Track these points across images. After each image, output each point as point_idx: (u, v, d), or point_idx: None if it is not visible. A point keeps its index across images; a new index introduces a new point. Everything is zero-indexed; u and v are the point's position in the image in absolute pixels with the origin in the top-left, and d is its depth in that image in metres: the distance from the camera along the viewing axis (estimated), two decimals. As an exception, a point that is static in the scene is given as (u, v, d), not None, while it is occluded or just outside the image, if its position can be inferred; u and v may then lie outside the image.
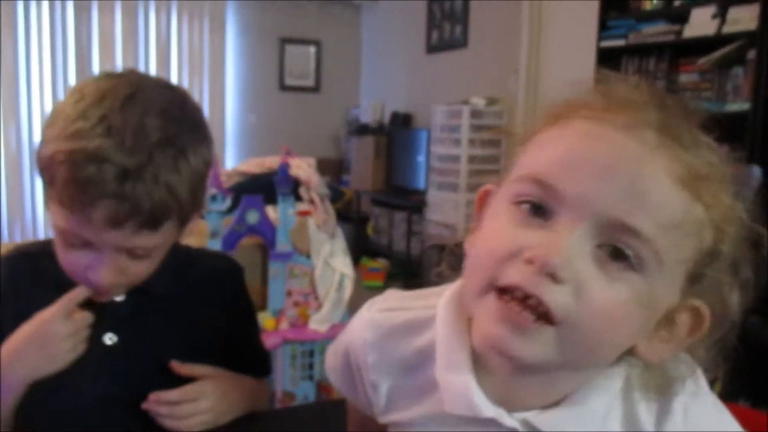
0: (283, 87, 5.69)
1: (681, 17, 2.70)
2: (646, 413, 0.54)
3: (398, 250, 4.72)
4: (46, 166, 0.74)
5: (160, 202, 0.73)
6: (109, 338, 0.84)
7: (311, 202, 2.43)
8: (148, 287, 0.86)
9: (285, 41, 5.61)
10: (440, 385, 0.57)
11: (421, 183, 4.60)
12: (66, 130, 0.72)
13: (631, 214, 0.46)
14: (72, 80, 4.79)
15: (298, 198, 2.42)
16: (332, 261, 2.41)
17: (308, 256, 2.39)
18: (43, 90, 4.75)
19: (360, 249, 4.97)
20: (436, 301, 0.61)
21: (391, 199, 4.83)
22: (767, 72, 2.32)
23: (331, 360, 0.70)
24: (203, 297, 0.92)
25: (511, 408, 0.55)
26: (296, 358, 2.37)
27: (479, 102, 4.09)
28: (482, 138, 4.01)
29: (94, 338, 0.83)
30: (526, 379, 0.54)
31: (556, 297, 0.46)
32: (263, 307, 2.33)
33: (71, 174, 0.71)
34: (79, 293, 0.80)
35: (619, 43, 2.96)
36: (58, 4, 4.71)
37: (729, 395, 0.75)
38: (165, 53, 5.17)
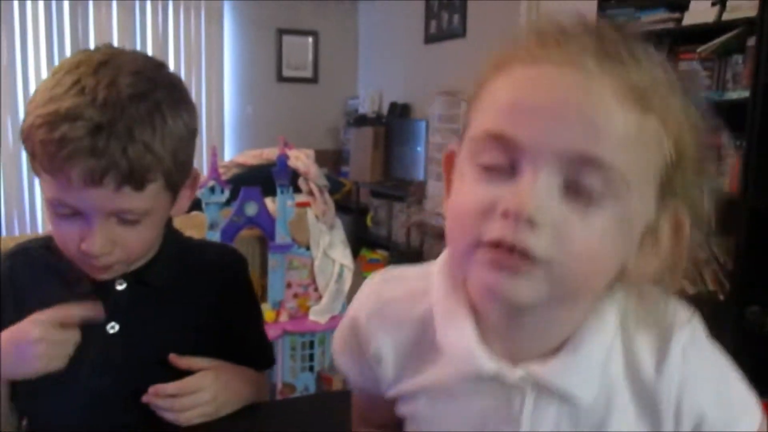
0: (281, 78, 5.66)
1: (680, 5, 2.69)
2: (647, 356, 0.55)
3: (397, 241, 4.72)
4: (27, 135, 0.76)
5: (136, 157, 0.73)
6: (112, 327, 0.84)
7: (310, 193, 2.43)
8: (150, 276, 0.87)
9: (282, 32, 5.58)
10: (442, 347, 0.58)
11: (420, 174, 4.59)
12: (43, 97, 0.74)
13: (588, 145, 0.47)
14: (69, 73, 4.77)
15: (297, 189, 2.42)
16: (331, 252, 2.41)
17: (307, 247, 2.39)
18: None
19: (359, 240, 4.97)
20: (432, 270, 0.62)
21: (390, 190, 4.82)
22: (767, 59, 2.31)
23: (338, 341, 0.71)
24: (206, 288, 0.91)
25: (512, 361, 0.56)
26: (296, 349, 2.37)
27: (478, 92, 4.07)
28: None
29: (97, 327, 0.83)
30: (524, 327, 0.55)
31: (537, 242, 0.48)
32: (263, 299, 2.33)
33: (47, 134, 0.72)
34: (78, 312, 0.80)
35: (619, 31, 2.94)
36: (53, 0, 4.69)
37: None
38: (162, 45, 5.14)
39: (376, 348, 0.64)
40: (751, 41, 2.41)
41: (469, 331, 0.57)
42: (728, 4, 2.49)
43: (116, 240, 0.78)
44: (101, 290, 0.84)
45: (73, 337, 0.80)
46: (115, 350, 0.84)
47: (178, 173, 0.81)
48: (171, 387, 0.81)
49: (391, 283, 0.66)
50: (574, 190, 0.48)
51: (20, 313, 0.81)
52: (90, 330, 0.83)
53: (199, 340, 0.89)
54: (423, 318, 0.62)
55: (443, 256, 0.62)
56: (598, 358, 0.55)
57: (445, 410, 0.61)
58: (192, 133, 0.83)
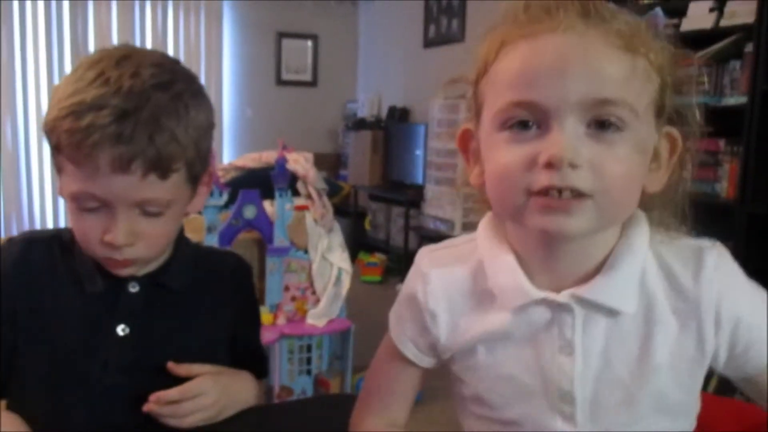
0: (280, 81, 5.67)
1: (679, 11, 2.70)
2: (682, 269, 0.64)
3: (395, 245, 4.72)
4: (51, 129, 0.76)
5: (162, 144, 0.75)
6: (122, 329, 0.84)
7: (309, 196, 2.43)
8: (167, 278, 0.87)
9: (282, 35, 5.60)
10: (494, 289, 0.67)
11: (418, 178, 4.59)
12: (66, 91, 0.75)
13: (598, 90, 0.57)
14: (68, 75, 4.77)
15: (296, 193, 2.42)
16: (330, 256, 2.41)
17: (306, 250, 2.39)
18: (39, 86, 4.73)
19: (357, 244, 4.97)
20: (474, 236, 0.72)
21: (388, 194, 4.83)
22: (765, 65, 2.31)
23: (394, 312, 0.77)
24: (213, 293, 0.92)
25: (556, 291, 0.64)
26: (294, 352, 2.37)
27: (477, 96, 4.08)
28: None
29: (108, 328, 0.84)
30: (565, 256, 0.64)
31: (580, 180, 0.56)
32: (261, 302, 2.33)
33: (72, 124, 0.73)
34: None
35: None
36: (53, 1, 4.69)
37: (725, 390, 0.76)
38: (162, 47, 5.14)
39: (433, 307, 0.71)
40: (749, 47, 2.42)
41: (517, 271, 0.65)
42: (726, 10, 2.50)
43: (139, 232, 0.78)
44: (113, 291, 0.84)
45: None
46: (125, 352, 0.84)
47: (200, 164, 0.82)
48: (172, 393, 0.81)
49: (440, 250, 0.75)
50: (596, 129, 0.58)
51: (32, 302, 0.82)
52: (99, 331, 0.83)
53: (207, 346, 0.90)
54: (474, 273, 0.70)
55: (485, 218, 0.72)
56: (634, 274, 0.63)
57: (504, 353, 0.67)
58: (211, 125, 0.84)
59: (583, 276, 0.64)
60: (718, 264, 0.64)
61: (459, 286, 0.70)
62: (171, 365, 0.84)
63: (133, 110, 0.73)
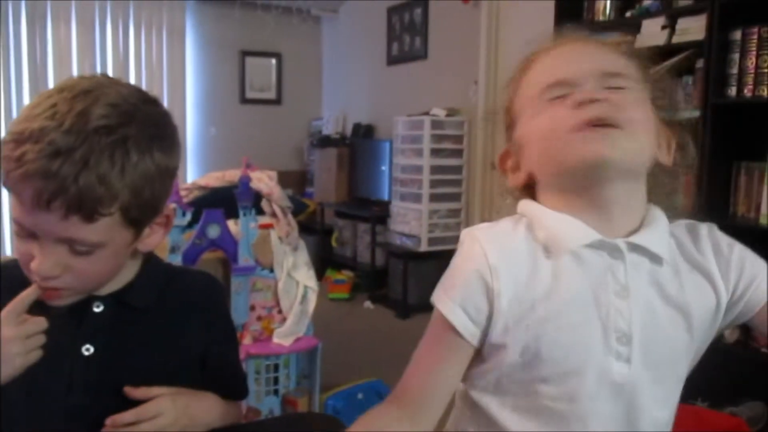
0: (245, 100, 5.65)
1: (633, 28, 2.78)
2: (685, 239, 0.80)
3: (363, 261, 4.72)
4: (2, 153, 0.76)
5: (87, 187, 0.73)
6: (86, 349, 0.84)
7: (273, 214, 2.42)
8: (132, 297, 0.87)
9: (245, 54, 5.59)
10: (547, 238, 0.76)
11: (384, 194, 4.61)
12: (22, 115, 0.76)
13: (606, 66, 0.77)
14: (26, 96, 4.68)
15: (260, 211, 2.41)
16: (295, 273, 2.40)
17: (271, 269, 2.38)
18: (-5, 105, 4.63)
19: (325, 261, 4.96)
20: (515, 216, 0.82)
21: (354, 211, 4.83)
22: (714, 80, 2.39)
23: (446, 283, 0.79)
24: (182, 313, 0.91)
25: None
26: (260, 372, 2.34)
27: (440, 112, 4.13)
28: (444, 148, 4.05)
29: (72, 348, 0.83)
30: (613, 204, 0.75)
31: (605, 109, 0.73)
32: (226, 322, 2.31)
33: (10, 152, 0.73)
34: (29, 294, 0.79)
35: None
36: (9, 17, 4.60)
37: (687, 396, 0.79)
38: (123, 66, 5.09)
39: (495, 262, 0.75)
40: (700, 63, 2.50)
41: (571, 219, 0.75)
42: (677, 27, 2.58)
43: (67, 266, 0.78)
44: (77, 311, 0.84)
45: (40, 323, 0.80)
46: (90, 372, 0.83)
47: (140, 210, 0.80)
48: (128, 415, 0.80)
49: (485, 228, 0.81)
50: (612, 88, 0.75)
51: None
52: (64, 351, 0.82)
53: (177, 365, 0.89)
54: (523, 234, 0.78)
55: (520, 203, 0.82)
56: (666, 232, 0.78)
57: (564, 303, 0.73)
58: (165, 171, 0.81)
59: (627, 231, 0.76)
60: (709, 231, 0.80)
61: (515, 245, 0.77)
62: (128, 389, 0.83)
63: (65, 149, 0.72)
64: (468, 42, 4.13)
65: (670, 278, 0.76)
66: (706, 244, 0.79)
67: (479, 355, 0.78)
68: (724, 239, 0.80)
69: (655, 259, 0.75)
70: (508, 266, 0.75)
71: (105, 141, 0.74)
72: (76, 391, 0.82)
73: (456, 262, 0.79)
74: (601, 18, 2.95)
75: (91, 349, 0.84)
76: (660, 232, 0.76)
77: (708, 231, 0.81)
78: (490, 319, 0.75)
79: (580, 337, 0.72)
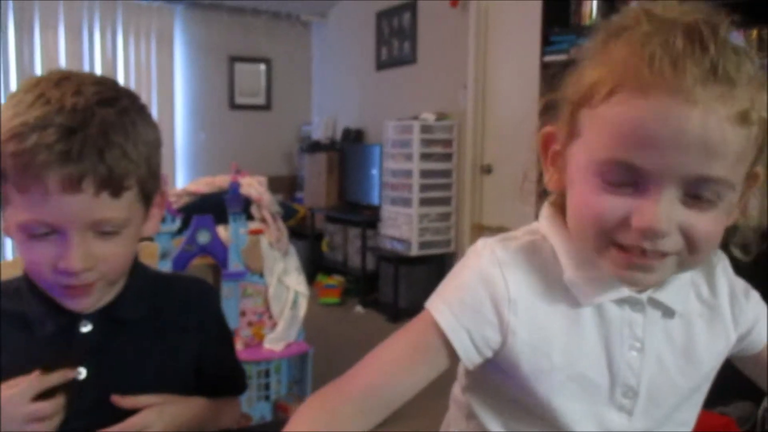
0: (234, 105, 5.64)
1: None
2: (699, 278, 0.73)
3: (353, 266, 4.72)
4: (4, 152, 0.72)
5: (113, 161, 0.72)
6: (78, 373, 0.81)
7: (263, 220, 2.42)
8: (121, 311, 0.83)
9: (234, 59, 5.58)
10: (570, 282, 0.68)
11: (374, 198, 4.62)
12: (6, 116, 0.72)
13: (704, 168, 0.56)
14: (14, 102, 4.65)
15: (250, 217, 2.41)
16: (286, 279, 2.40)
17: (261, 274, 2.38)
18: (-18, 112, 4.60)
19: (315, 266, 4.95)
20: (534, 229, 0.73)
21: (345, 215, 4.83)
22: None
23: (454, 301, 0.69)
24: (176, 322, 0.89)
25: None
26: (252, 378, 2.34)
27: (429, 117, 4.14)
28: (433, 152, 4.07)
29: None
30: None
31: (669, 244, 0.59)
32: (217, 328, 2.30)
33: (18, 146, 0.70)
34: (52, 380, 0.77)
35: (561, 57, 3.05)
36: (-3, 25, 4.59)
37: None
38: (112, 72, 5.07)
39: (514, 296, 0.67)
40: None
41: (597, 270, 0.66)
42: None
43: (96, 255, 0.75)
44: (65, 333, 0.81)
45: (58, 405, 0.77)
46: (85, 396, 0.80)
47: (152, 182, 0.80)
48: (115, 429, 0.79)
49: (505, 241, 0.72)
50: (692, 199, 0.58)
51: None
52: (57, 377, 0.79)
53: (173, 375, 0.87)
54: (546, 264, 0.69)
55: (547, 212, 0.72)
56: (689, 283, 0.71)
57: (578, 351, 0.68)
58: (159, 142, 0.82)
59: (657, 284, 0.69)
60: (724, 266, 0.74)
61: (537, 279, 0.69)
62: (115, 398, 0.81)
63: (79, 127, 0.70)
64: (456, 46, 4.16)
65: (682, 329, 0.71)
66: (722, 285, 0.73)
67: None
68: (740, 283, 0.75)
69: (668, 312, 0.70)
70: (528, 302, 0.68)
71: (111, 113, 0.73)
72: (74, 416, 0.80)
73: (468, 276, 0.70)
74: (587, 22, 2.98)
75: (84, 373, 0.81)
76: (682, 283, 0.70)
77: (723, 266, 0.74)
78: (497, 351, 0.69)
79: (586, 387, 0.69)
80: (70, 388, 0.80)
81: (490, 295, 0.67)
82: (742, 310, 0.74)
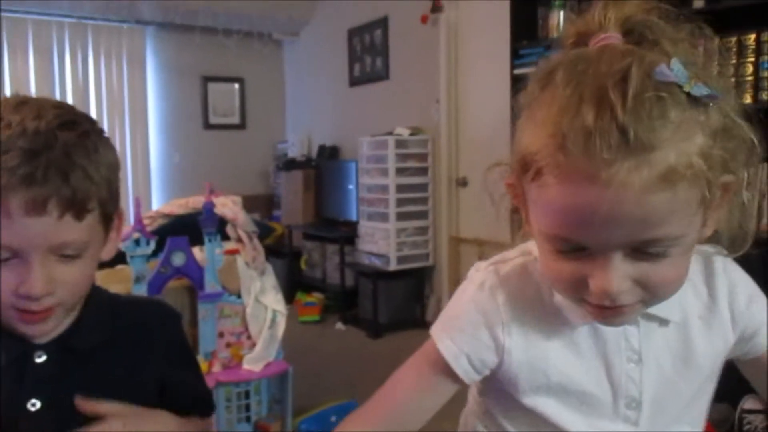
0: (208, 125, 5.63)
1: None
2: (699, 280, 0.73)
3: (332, 282, 4.71)
4: None
5: (77, 182, 0.72)
6: (32, 404, 0.78)
7: (239, 240, 2.41)
8: (76, 341, 0.81)
9: (208, 79, 5.58)
10: (560, 303, 0.70)
11: (352, 214, 4.62)
12: None
13: (643, 234, 0.56)
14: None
15: (226, 237, 2.39)
16: (263, 298, 2.38)
17: (238, 294, 2.36)
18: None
19: (294, 284, 4.93)
20: (527, 249, 0.74)
21: (322, 232, 4.83)
22: None
23: (451, 326, 0.74)
24: (135, 348, 0.87)
25: None
26: (231, 400, 2.32)
27: (404, 132, 4.17)
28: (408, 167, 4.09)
29: (17, 405, 0.78)
30: None
31: (630, 297, 0.60)
32: (194, 350, 2.28)
33: None
34: None
35: (531, 69, 3.08)
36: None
37: None
38: (83, 94, 5.04)
39: (506, 319, 0.71)
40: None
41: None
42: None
43: (57, 279, 0.74)
44: (17, 364, 0.79)
45: None
46: (39, 427, 0.78)
47: (112, 204, 0.79)
48: None
49: (500, 264, 0.75)
50: (642, 253, 0.58)
51: None
52: (9, 408, 0.77)
53: (134, 404, 0.84)
54: (538, 286, 0.72)
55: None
56: (681, 294, 0.68)
57: (575, 369, 0.71)
58: (118, 165, 0.81)
59: None
60: (725, 267, 0.74)
61: (529, 300, 0.72)
62: (78, 401, 0.79)
63: (42, 150, 0.70)
64: (428, 61, 4.20)
65: (679, 335, 0.73)
66: (721, 284, 0.73)
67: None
68: (745, 284, 0.74)
69: (664, 322, 0.72)
70: (522, 323, 0.72)
71: (73, 136, 0.73)
72: None
73: (464, 304, 0.74)
74: (555, 35, 3.03)
75: (38, 404, 0.79)
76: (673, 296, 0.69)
77: (723, 268, 0.74)
78: (495, 370, 0.74)
79: (589, 403, 0.72)
80: (22, 421, 0.78)
81: (485, 321, 0.72)
82: (742, 311, 0.73)
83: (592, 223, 0.56)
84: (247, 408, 2.35)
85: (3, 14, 4.56)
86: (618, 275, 0.59)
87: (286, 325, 2.45)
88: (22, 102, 0.75)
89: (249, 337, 2.36)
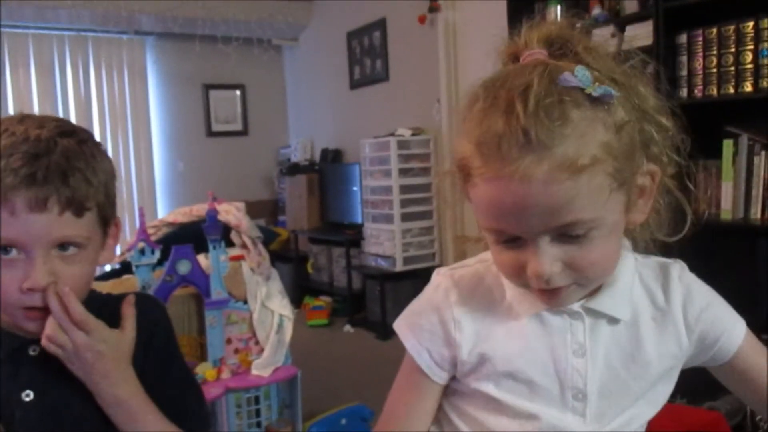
0: (211, 133, 5.65)
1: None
2: (654, 284, 0.79)
3: (339, 285, 4.71)
4: None
5: (75, 183, 0.78)
6: (26, 395, 0.83)
7: (243, 246, 2.41)
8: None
9: (209, 87, 5.60)
10: (512, 299, 0.77)
11: (357, 217, 4.62)
12: None
13: (558, 219, 0.64)
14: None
15: (230, 243, 2.40)
16: (269, 303, 2.38)
17: (245, 301, 2.36)
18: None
19: (302, 288, 4.94)
20: (485, 257, 0.80)
21: (328, 236, 4.83)
22: (665, 82, 2.45)
23: (412, 325, 0.81)
24: None
25: None
26: (241, 406, 2.32)
27: (405, 132, 4.17)
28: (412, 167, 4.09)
29: (12, 396, 0.82)
30: None
31: (562, 279, 0.68)
32: (203, 357, 2.28)
33: None
34: None
35: (531, 66, 3.09)
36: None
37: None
38: (86, 106, 5.07)
39: (458, 317, 0.78)
40: (650, 68, 2.57)
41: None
42: (626, 35, 2.65)
43: (58, 274, 0.79)
44: (14, 357, 0.83)
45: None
46: (32, 418, 0.82)
47: (109, 209, 0.85)
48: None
49: (457, 269, 0.83)
50: (566, 236, 0.66)
51: None
52: (6, 398, 0.82)
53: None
54: (490, 287, 0.79)
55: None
56: (627, 290, 0.77)
57: (523, 359, 0.76)
58: (114, 173, 0.87)
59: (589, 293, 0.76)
60: (681, 275, 0.79)
61: (480, 298, 0.79)
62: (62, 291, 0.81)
63: (43, 153, 0.77)
64: (427, 61, 4.20)
65: (629, 333, 0.77)
66: (676, 290, 0.78)
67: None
68: (698, 292, 0.79)
69: (612, 320, 0.76)
70: (471, 320, 0.78)
71: (73, 143, 0.80)
72: None
73: (423, 303, 0.82)
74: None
75: (31, 395, 0.83)
76: (620, 292, 0.76)
77: (679, 275, 0.79)
78: (454, 365, 0.80)
79: (538, 391, 0.76)
80: (17, 411, 0.82)
81: (439, 318, 0.79)
82: (696, 316, 0.78)
83: (512, 213, 0.65)
84: (258, 413, 2.35)
85: (3, 30, 4.59)
86: (547, 259, 0.66)
87: (294, 330, 2.46)
88: (26, 116, 0.83)
89: (257, 343, 2.36)
